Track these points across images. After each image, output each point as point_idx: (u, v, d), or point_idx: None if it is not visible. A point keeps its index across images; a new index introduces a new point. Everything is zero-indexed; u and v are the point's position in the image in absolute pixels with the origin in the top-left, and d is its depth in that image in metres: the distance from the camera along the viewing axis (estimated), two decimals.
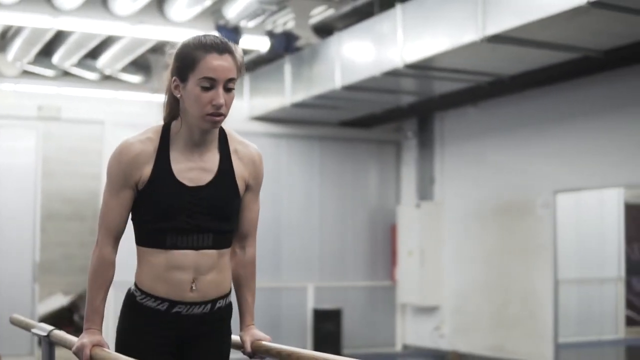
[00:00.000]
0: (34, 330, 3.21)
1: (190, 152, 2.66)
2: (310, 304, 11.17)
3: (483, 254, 10.38)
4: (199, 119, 2.59)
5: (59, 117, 10.79)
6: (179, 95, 2.62)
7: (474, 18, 7.49)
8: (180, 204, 2.62)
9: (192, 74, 2.55)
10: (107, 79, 11.69)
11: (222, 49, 2.57)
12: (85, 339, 2.64)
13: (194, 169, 2.66)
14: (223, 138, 2.73)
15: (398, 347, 11.16)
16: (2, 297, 9.91)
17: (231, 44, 2.63)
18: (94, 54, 10.93)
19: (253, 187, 2.77)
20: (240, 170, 2.72)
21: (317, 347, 10.53)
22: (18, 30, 10.03)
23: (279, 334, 10.05)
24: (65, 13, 8.86)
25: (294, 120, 11.38)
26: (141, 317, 2.69)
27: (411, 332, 11.41)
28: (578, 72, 8.65)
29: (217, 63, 2.55)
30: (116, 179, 2.64)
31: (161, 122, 2.73)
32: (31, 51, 10.31)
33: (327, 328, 10.79)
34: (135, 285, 2.71)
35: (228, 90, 2.58)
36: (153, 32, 9.44)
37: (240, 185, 2.72)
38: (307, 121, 11.49)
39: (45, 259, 11.14)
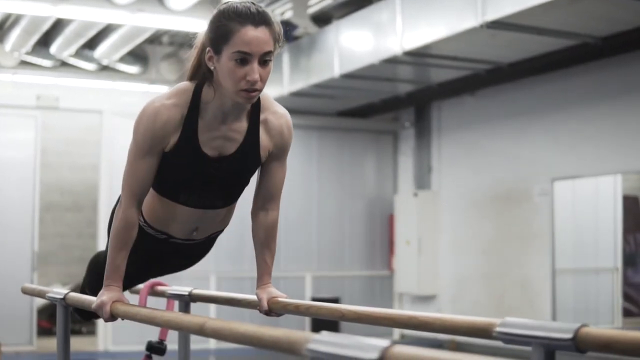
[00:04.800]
0: (48, 295, 3.24)
1: (218, 121, 2.62)
2: (309, 294, 11.21)
3: (481, 243, 10.42)
4: (232, 94, 2.50)
5: (57, 106, 10.80)
6: (212, 67, 2.52)
7: (474, 4, 7.53)
8: (201, 173, 2.66)
9: (226, 46, 2.44)
10: (105, 69, 11.69)
11: (258, 20, 2.44)
12: (104, 296, 2.68)
13: (218, 138, 2.63)
14: (256, 105, 2.67)
15: (396, 336, 11.19)
16: (2, 287, 9.92)
17: (268, 13, 2.50)
18: (92, 44, 10.93)
19: (278, 155, 2.75)
20: (265, 141, 2.69)
21: None
22: (16, 20, 10.03)
23: (277, 323, 10.06)
24: (65, 1, 8.87)
25: (292, 110, 11.17)
26: (139, 235, 2.79)
27: None
28: (576, 59, 8.70)
29: (253, 35, 2.42)
30: (142, 144, 2.62)
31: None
32: (29, 41, 10.30)
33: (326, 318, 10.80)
34: (141, 213, 2.81)
35: (264, 63, 2.47)
36: (152, 21, 9.46)
37: (263, 155, 2.71)
38: (305, 111, 11.51)
39: (43, 250, 11.15)
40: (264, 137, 2.68)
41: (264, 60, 2.46)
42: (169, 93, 2.65)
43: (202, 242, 2.97)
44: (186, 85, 2.64)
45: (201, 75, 2.61)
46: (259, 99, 2.65)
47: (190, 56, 2.66)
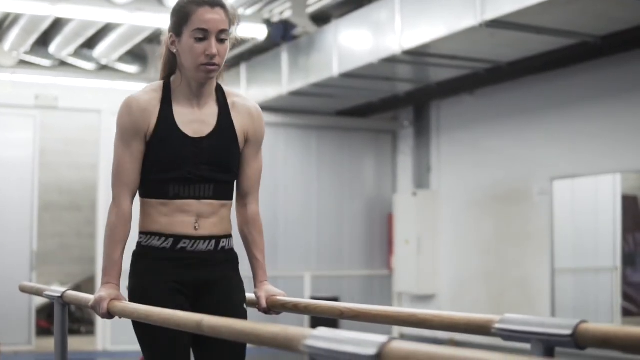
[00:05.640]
0: (46, 293, 3.23)
1: (190, 105, 2.78)
2: (307, 293, 11.20)
3: (480, 242, 10.41)
4: (194, 70, 2.71)
5: (56, 106, 10.78)
6: (175, 50, 2.75)
7: (473, 3, 7.51)
8: (184, 153, 2.71)
9: (186, 27, 2.68)
10: (104, 68, 11.68)
11: (213, 2, 2.70)
12: (102, 292, 2.67)
13: (195, 121, 2.77)
14: (221, 93, 2.84)
15: (395, 335, 11.17)
16: (0, 287, 9.90)
17: None
18: (91, 43, 10.92)
19: (252, 141, 2.85)
20: (238, 122, 2.82)
21: None
22: (15, 19, 10.01)
23: (275, 321, 10.02)
24: (64, 0, 8.85)
25: (291, 110, 11.39)
26: (148, 260, 2.73)
27: None
28: (575, 58, 8.68)
29: (209, 16, 2.68)
30: (126, 131, 2.74)
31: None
32: (28, 40, 10.28)
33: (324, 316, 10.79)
34: (140, 232, 2.78)
35: (221, 41, 2.70)
36: (151, 20, 9.44)
37: (240, 137, 2.81)
38: (305, 111, 11.50)
39: (42, 249, 11.13)
40: (236, 118, 2.81)
41: (221, 38, 2.71)
42: (144, 87, 2.84)
43: (214, 255, 2.77)
44: (158, 81, 2.85)
45: (169, 70, 2.83)
46: (222, 88, 2.84)
47: (159, 57, 2.88)
